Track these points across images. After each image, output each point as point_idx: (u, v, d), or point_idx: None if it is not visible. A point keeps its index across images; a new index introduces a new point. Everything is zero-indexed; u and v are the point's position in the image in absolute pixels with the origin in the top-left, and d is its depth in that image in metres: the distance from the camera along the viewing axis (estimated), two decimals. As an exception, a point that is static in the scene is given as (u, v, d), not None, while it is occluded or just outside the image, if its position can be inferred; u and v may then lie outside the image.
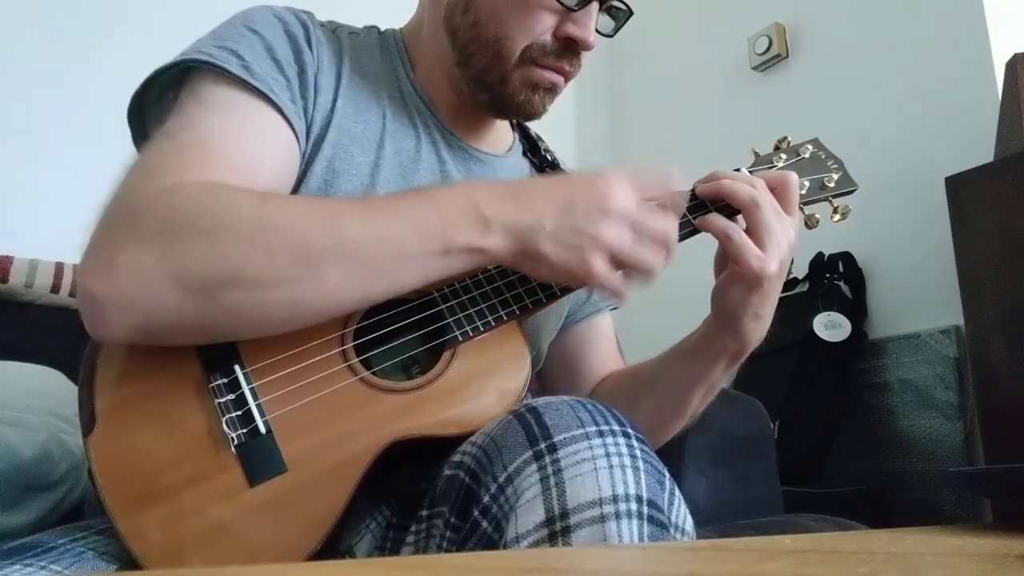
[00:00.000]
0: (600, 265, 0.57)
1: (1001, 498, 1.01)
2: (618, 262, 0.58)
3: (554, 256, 0.57)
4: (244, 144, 0.62)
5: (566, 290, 0.65)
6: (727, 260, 0.66)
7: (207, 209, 0.53)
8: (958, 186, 1.41)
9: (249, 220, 0.53)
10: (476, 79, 0.73)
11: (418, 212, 0.56)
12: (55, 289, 1.25)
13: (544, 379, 0.89)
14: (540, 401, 0.52)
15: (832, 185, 0.74)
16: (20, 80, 1.56)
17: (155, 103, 0.68)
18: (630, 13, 0.74)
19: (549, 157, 0.87)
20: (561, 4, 0.68)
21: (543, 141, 0.89)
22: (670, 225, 0.60)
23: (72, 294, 1.25)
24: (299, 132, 0.66)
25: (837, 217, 0.74)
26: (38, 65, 1.59)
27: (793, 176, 0.68)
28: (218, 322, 0.54)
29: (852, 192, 0.76)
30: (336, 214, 0.55)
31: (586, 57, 0.73)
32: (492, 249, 0.57)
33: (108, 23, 1.67)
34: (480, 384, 0.60)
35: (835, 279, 1.81)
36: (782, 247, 0.64)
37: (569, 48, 0.71)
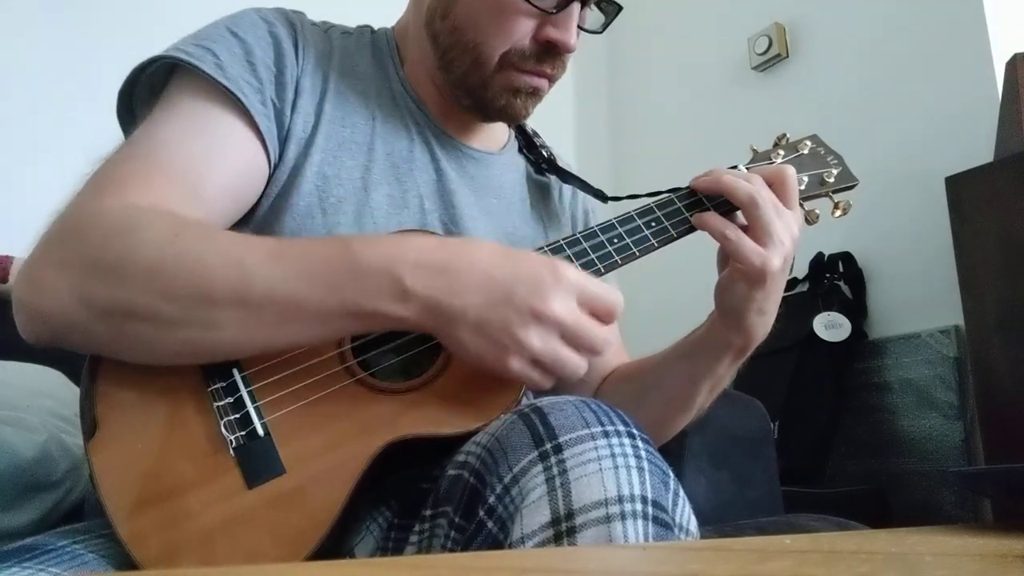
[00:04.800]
0: (517, 365, 0.54)
1: (1001, 498, 1.01)
2: (537, 363, 0.55)
3: (471, 346, 0.54)
4: (197, 151, 0.63)
5: None
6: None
7: (121, 240, 0.55)
8: (958, 186, 1.41)
9: (154, 257, 0.54)
10: (457, 84, 0.73)
11: (332, 270, 0.54)
12: (55, 290, 1.24)
13: None
14: (545, 401, 0.52)
15: (832, 180, 0.74)
16: (20, 80, 1.56)
17: (145, 102, 0.69)
18: (619, 8, 0.73)
19: (545, 153, 0.87)
20: (538, 8, 0.67)
21: (539, 137, 0.89)
22: (602, 336, 0.56)
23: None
24: (266, 134, 0.66)
25: (838, 213, 0.73)
26: (38, 66, 1.59)
27: (790, 170, 0.68)
28: (124, 346, 0.56)
29: (852, 187, 0.75)
30: (244, 261, 0.54)
31: (571, 58, 0.72)
32: (406, 319, 0.54)
33: (109, 24, 1.67)
34: (477, 384, 0.60)
35: (835, 279, 1.81)
36: (784, 243, 0.64)
37: (550, 51, 0.70)
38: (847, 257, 1.82)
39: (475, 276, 0.54)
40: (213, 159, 0.63)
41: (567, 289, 0.54)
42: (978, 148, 1.50)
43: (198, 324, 0.54)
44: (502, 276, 0.54)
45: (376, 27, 0.83)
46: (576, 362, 0.55)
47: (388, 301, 0.54)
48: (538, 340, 0.53)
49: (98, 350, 0.57)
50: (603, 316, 0.56)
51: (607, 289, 0.57)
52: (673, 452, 1.14)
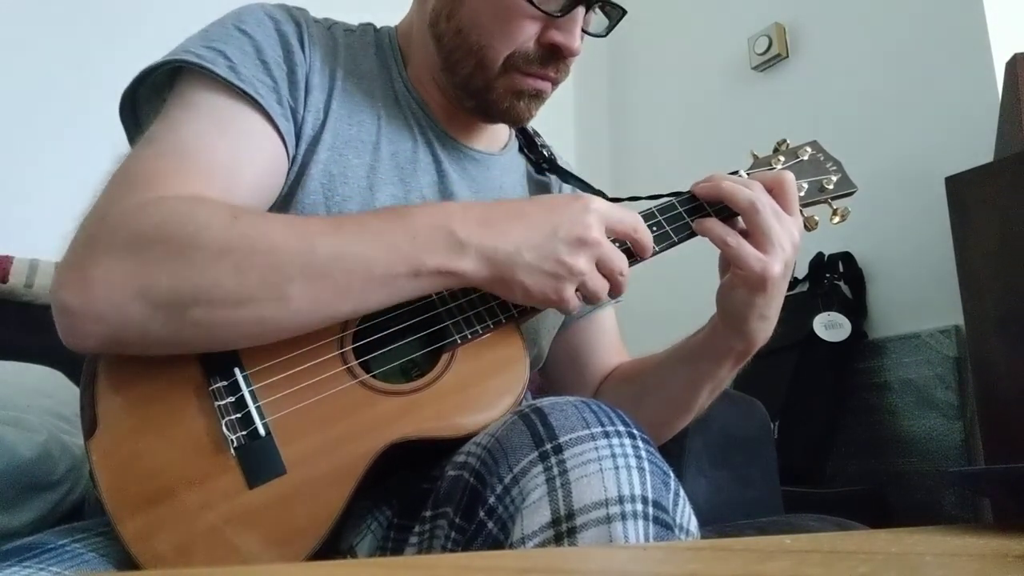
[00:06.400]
0: (571, 293, 0.59)
1: (1001, 498, 1.01)
2: (581, 289, 0.60)
3: (531, 284, 0.58)
4: (225, 149, 0.62)
5: None
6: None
7: (179, 226, 0.54)
8: (958, 186, 1.41)
9: (219, 238, 0.54)
10: (461, 86, 0.73)
11: (390, 233, 0.56)
12: (55, 289, 1.24)
13: (549, 376, 0.89)
14: (545, 402, 0.52)
15: (831, 187, 0.74)
16: (20, 80, 1.56)
17: (148, 101, 0.68)
18: (623, 12, 0.73)
19: (546, 153, 0.87)
20: (542, 11, 0.67)
21: (540, 137, 0.89)
22: (624, 265, 0.62)
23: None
24: (286, 134, 0.66)
25: (836, 219, 0.73)
26: (38, 65, 1.59)
27: (789, 175, 0.68)
28: (184, 337, 0.55)
29: (851, 194, 0.75)
30: (306, 234, 0.55)
31: (574, 61, 0.72)
32: (465, 272, 0.57)
33: (109, 23, 1.67)
34: (479, 386, 0.60)
35: (835, 279, 1.81)
36: (785, 248, 0.64)
37: (554, 54, 0.70)
38: (847, 257, 1.82)
39: (515, 220, 0.59)
40: (240, 158, 0.63)
41: (598, 217, 0.60)
42: (978, 148, 1.50)
43: (269, 299, 0.54)
44: (540, 213, 0.59)
45: (379, 26, 0.83)
46: (603, 288, 0.61)
47: (447, 255, 0.57)
48: (586, 264, 0.59)
49: (152, 346, 0.55)
50: (630, 237, 0.63)
51: (628, 213, 0.63)
52: (673, 452, 1.14)
